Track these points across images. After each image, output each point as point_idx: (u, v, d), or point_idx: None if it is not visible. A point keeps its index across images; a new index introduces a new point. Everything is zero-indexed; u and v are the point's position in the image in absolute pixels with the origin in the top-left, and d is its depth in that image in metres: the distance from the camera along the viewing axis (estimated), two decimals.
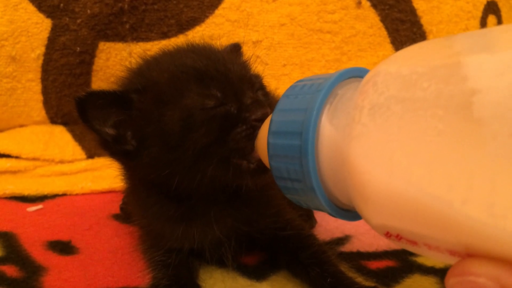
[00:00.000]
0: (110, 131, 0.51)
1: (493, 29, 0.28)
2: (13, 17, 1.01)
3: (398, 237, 0.30)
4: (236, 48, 0.68)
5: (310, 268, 0.55)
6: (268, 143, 0.39)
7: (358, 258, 0.62)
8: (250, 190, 0.53)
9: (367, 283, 0.54)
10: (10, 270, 0.62)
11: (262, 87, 0.55)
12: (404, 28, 1.13)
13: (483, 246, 0.24)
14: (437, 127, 0.26)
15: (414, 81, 0.28)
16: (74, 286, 0.58)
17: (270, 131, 0.39)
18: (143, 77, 0.54)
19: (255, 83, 0.54)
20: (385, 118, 0.28)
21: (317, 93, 0.35)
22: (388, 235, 0.31)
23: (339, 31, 1.11)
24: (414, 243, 0.29)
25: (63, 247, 0.69)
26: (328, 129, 0.34)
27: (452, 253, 0.27)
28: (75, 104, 0.49)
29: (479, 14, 1.15)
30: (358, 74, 0.37)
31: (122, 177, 0.64)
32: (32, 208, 0.85)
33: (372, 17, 1.11)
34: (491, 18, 1.18)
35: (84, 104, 0.49)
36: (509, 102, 0.23)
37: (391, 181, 0.28)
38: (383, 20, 1.12)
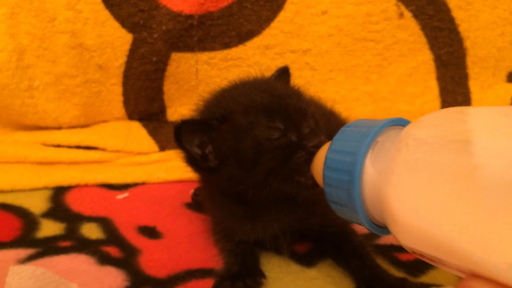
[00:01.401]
0: (197, 150, 0.61)
1: (502, 110, 0.34)
2: (101, 32, 1.12)
3: (421, 256, 0.37)
4: (284, 70, 0.75)
5: (351, 260, 0.62)
6: (324, 175, 0.46)
7: (391, 250, 0.68)
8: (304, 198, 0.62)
9: (398, 274, 0.60)
10: (114, 251, 0.70)
11: (313, 115, 0.62)
12: (442, 35, 1.18)
13: (482, 272, 0.30)
14: (451, 187, 0.32)
15: (436, 150, 0.34)
16: (164, 266, 0.66)
17: (325, 165, 0.46)
18: (221, 108, 0.62)
19: (308, 112, 0.60)
20: (415, 174, 0.35)
21: (363, 140, 0.42)
22: (413, 253, 0.38)
23: (382, 39, 1.17)
24: (433, 261, 0.36)
25: (151, 232, 0.78)
26: (371, 171, 0.41)
27: (461, 271, 0.33)
28: (173, 131, 0.59)
29: None
30: (394, 123, 0.44)
31: (201, 185, 0.74)
32: (121, 196, 0.94)
33: (413, 26, 1.17)
34: None
35: (179, 130, 0.59)
36: (503, 178, 0.29)
37: (417, 220, 0.34)
38: (423, 28, 1.17)
